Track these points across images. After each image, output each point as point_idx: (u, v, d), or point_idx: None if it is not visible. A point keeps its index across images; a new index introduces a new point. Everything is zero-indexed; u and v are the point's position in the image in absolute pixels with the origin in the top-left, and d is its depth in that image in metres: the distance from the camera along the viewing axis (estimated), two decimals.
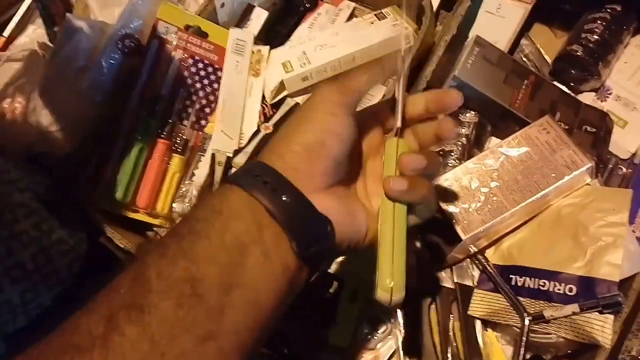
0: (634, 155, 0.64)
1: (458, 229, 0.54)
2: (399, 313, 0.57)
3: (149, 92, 0.65)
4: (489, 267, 0.57)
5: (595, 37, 0.64)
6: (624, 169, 0.64)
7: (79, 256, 0.56)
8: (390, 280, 0.36)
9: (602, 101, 0.66)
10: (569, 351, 0.55)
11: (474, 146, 0.62)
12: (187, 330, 0.28)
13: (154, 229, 0.66)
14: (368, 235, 0.39)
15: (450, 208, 0.55)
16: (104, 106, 0.65)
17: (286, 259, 0.33)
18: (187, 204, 0.62)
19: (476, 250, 0.58)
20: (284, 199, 0.33)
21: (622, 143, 0.64)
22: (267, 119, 0.65)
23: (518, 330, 0.53)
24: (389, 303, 0.36)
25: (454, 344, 0.56)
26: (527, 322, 0.52)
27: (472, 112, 0.63)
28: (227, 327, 0.29)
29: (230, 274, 0.30)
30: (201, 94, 0.67)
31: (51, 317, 0.52)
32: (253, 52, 0.69)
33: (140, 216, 0.64)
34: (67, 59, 0.63)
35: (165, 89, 0.65)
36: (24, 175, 0.54)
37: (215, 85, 0.68)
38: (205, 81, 0.68)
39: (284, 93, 0.66)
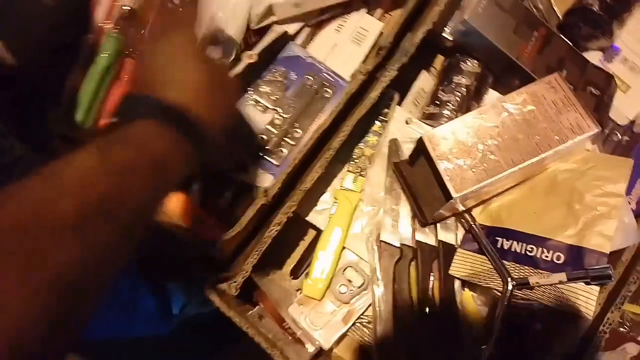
0: (632, 122, 0.61)
1: (450, 186, 0.50)
2: (378, 268, 0.54)
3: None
4: (475, 227, 0.54)
5: None
6: (620, 136, 0.61)
7: None
8: None
9: (608, 62, 0.63)
10: (546, 320, 0.54)
11: (472, 98, 0.58)
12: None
13: None
14: None
15: (444, 163, 0.51)
16: (58, 13, 0.56)
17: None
18: None
19: (463, 208, 0.55)
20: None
21: (621, 108, 0.61)
22: (249, 46, 0.59)
23: (499, 294, 0.52)
24: None
25: (432, 303, 0.54)
26: (510, 287, 0.51)
27: (475, 61, 0.58)
28: None
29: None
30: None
31: None
32: None
33: None
34: None
35: None
36: None
37: None
38: None
39: (272, 19, 0.59)
